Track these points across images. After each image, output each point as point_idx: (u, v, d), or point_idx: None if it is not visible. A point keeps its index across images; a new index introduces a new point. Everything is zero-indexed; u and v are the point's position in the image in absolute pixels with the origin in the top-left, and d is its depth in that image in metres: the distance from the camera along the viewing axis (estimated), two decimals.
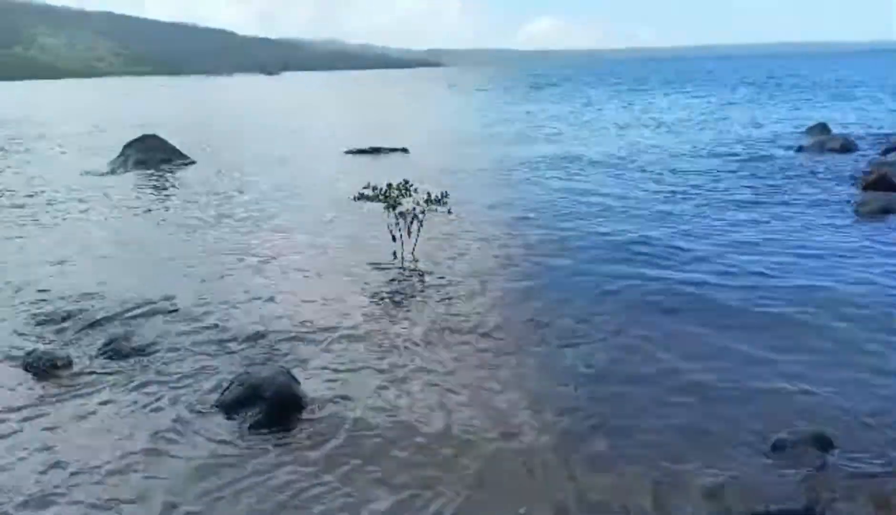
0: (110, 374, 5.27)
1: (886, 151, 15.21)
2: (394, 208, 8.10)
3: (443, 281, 7.34)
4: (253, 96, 63.62)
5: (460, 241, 8.87)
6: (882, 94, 35.14)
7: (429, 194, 8.05)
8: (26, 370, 5.36)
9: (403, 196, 8.06)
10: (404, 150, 18.92)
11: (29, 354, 5.53)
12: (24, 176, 15.66)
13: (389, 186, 8.16)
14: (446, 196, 8.02)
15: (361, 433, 4.35)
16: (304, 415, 4.55)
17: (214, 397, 4.78)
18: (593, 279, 7.28)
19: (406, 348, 5.65)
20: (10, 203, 12.32)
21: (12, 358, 5.56)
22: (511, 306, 6.61)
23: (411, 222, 8.08)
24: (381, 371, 5.22)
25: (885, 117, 23.87)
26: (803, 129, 20.71)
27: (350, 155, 18.51)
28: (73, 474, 3.96)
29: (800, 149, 16.60)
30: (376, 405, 4.70)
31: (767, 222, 9.63)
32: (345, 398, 4.79)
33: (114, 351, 5.60)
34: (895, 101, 30.89)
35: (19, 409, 4.76)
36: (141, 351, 5.63)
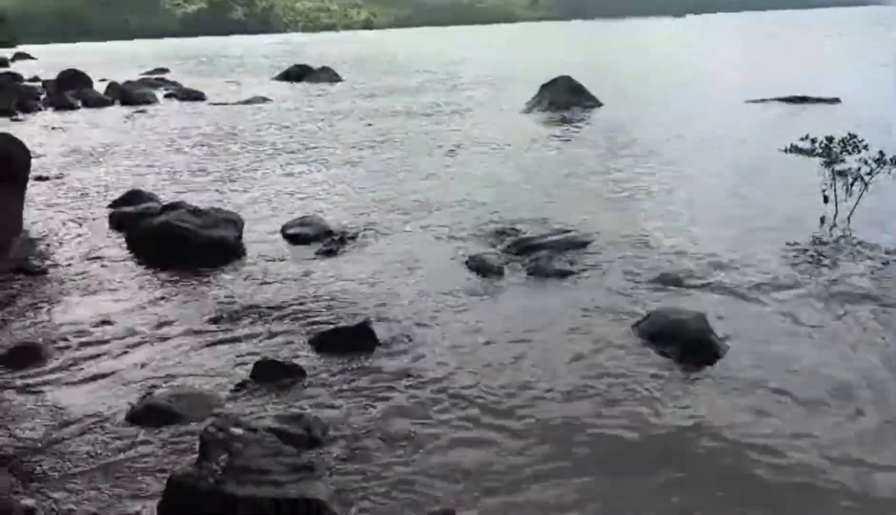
0: (536, 286, 5.97)
1: None
2: (833, 164, 7.18)
3: (876, 258, 6.30)
4: (657, 40, 62.07)
5: None
6: None
7: (881, 153, 6.91)
8: (469, 268, 6.39)
9: (848, 152, 7.08)
10: (834, 100, 16.48)
11: (472, 257, 6.57)
12: (459, 112, 18.17)
13: (830, 139, 7.24)
14: None
15: (765, 389, 4.20)
16: (717, 363, 4.51)
17: (628, 323, 5.05)
18: None
19: (817, 312, 5.18)
20: (443, 138, 14.47)
21: (459, 258, 6.66)
22: None
23: (852, 184, 7.08)
24: (789, 333, 4.89)
25: None
26: None
27: (763, 103, 16.89)
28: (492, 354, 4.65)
29: None
30: (777, 364, 4.48)
31: None
32: (751, 353, 4.63)
33: (539, 268, 6.29)
34: None
35: (466, 296, 5.73)
36: (561, 272, 6.20)
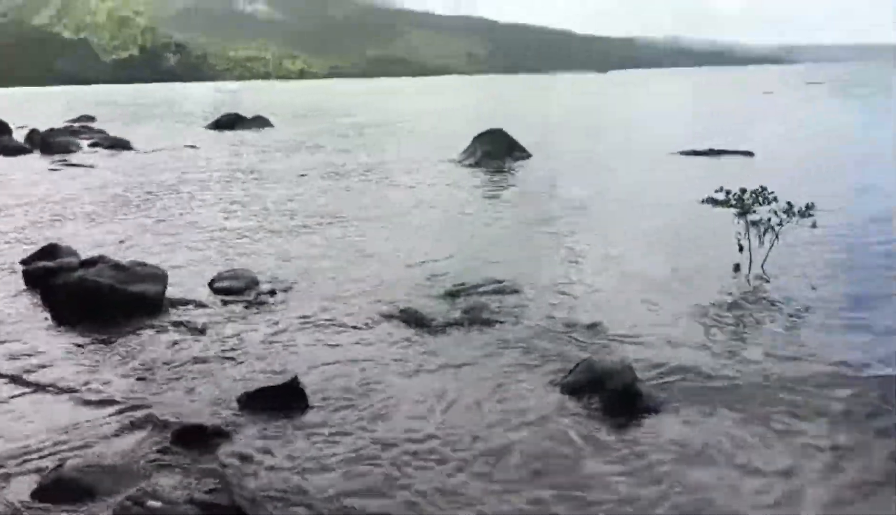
0: (467, 337, 5.98)
1: None
2: (745, 215, 7.58)
3: (788, 301, 6.69)
4: (584, 94, 64.82)
5: (821, 261, 7.92)
6: None
7: (789, 204, 7.36)
8: (401, 320, 6.36)
9: (759, 204, 7.50)
10: (748, 153, 17.50)
11: (404, 310, 6.55)
12: (391, 162, 18.35)
13: (743, 191, 7.66)
14: (812, 208, 7.25)
15: (689, 435, 4.30)
16: (642, 409, 4.59)
17: (556, 374, 5.11)
18: None
19: (739, 365, 5.32)
20: (377, 185, 14.57)
21: (392, 310, 6.62)
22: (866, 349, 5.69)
23: (765, 233, 7.48)
24: (704, 387, 5.01)
25: None
26: None
27: (683, 156, 17.76)
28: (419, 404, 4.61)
29: None
30: (704, 412, 4.60)
31: None
32: (678, 402, 4.74)
33: (469, 319, 6.32)
34: None
35: (397, 349, 5.71)
36: (491, 322, 6.25)
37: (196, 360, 5.57)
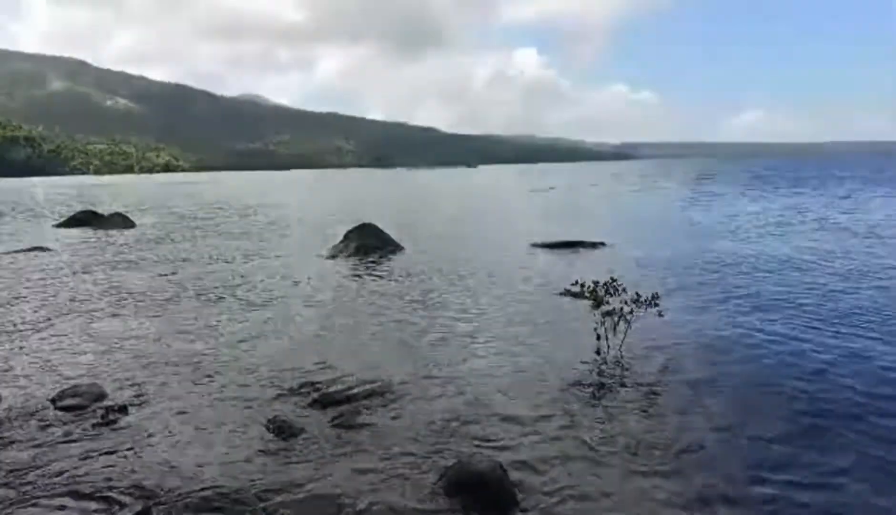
0: (338, 446, 5.79)
1: None
2: (600, 306, 8.11)
3: (644, 387, 7.13)
4: (453, 188, 67.70)
5: (670, 345, 8.53)
6: None
7: (637, 294, 7.97)
8: (268, 431, 6.08)
9: (611, 295, 8.06)
10: (603, 244, 18.85)
11: (272, 419, 6.28)
12: (261, 259, 17.98)
13: (596, 283, 8.22)
14: (657, 298, 7.89)
15: None
16: (519, 509, 4.63)
17: (430, 478, 5.05)
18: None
19: (605, 454, 5.55)
20: (247, 285, 14.18)
21: (258, 420, 6.33)
22: (712, 425, 6.19)
23: (618, 322, 8.01)
24: (581, 476, 5.17)
25: None
26: None
27: (544, 248, 18.76)
28: None
29: None
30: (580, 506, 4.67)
31: None
32: (549, 494, 4.84)
33: (340, 426, 6.16)
34: None
35: (263, 464, 5.40)
36: (363, 427, 6.13)
37: (33, 489, 4.99)
